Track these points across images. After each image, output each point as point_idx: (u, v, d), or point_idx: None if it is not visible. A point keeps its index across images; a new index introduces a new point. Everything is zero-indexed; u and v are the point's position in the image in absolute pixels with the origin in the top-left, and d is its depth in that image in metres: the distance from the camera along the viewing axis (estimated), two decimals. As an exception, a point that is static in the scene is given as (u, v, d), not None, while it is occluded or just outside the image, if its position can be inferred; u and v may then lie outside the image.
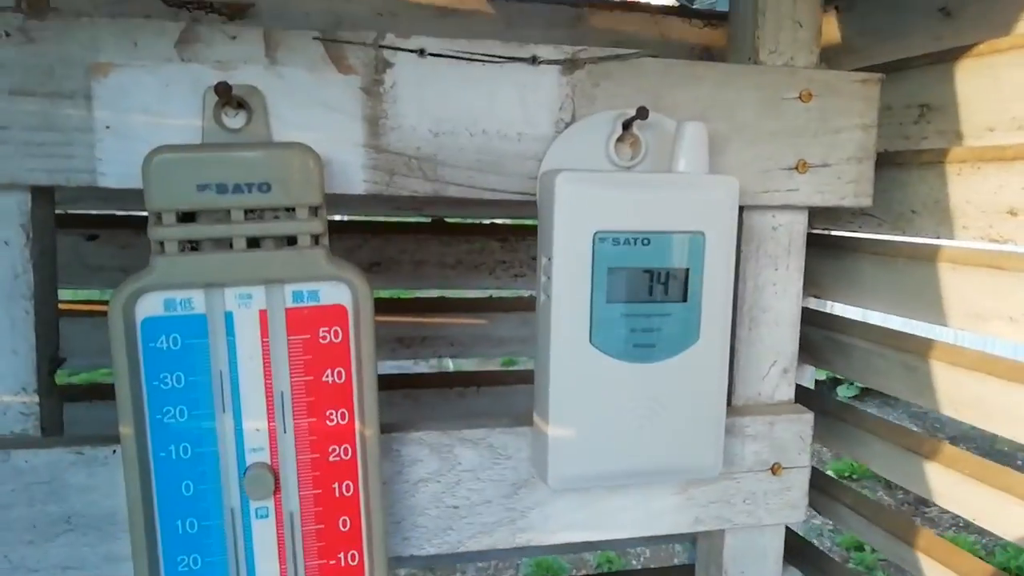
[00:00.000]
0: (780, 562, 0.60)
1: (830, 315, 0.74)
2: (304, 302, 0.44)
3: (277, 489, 0.45)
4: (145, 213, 0.41)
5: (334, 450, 0.45)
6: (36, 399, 0.46)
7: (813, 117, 0.54)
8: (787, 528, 0.74)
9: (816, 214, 0.73)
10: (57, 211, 0.78)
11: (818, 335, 0.72)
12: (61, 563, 0.46)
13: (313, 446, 0.45)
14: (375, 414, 0.45)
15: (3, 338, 0.45)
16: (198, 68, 0.44)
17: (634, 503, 0.54)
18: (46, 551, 0.46)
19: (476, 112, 0.48)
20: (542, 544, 0.52)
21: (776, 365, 0.57)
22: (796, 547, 0.77)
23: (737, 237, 0.53)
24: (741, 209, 0.54)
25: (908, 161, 0.61)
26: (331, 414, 0.45)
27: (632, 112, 0.48)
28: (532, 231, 0.88)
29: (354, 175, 0.47)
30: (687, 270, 0.48)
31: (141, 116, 0.44)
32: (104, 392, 0.79)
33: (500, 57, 0.48)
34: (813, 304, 0.81)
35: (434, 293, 0.92)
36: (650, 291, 0.47)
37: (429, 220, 0.90)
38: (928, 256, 0.60)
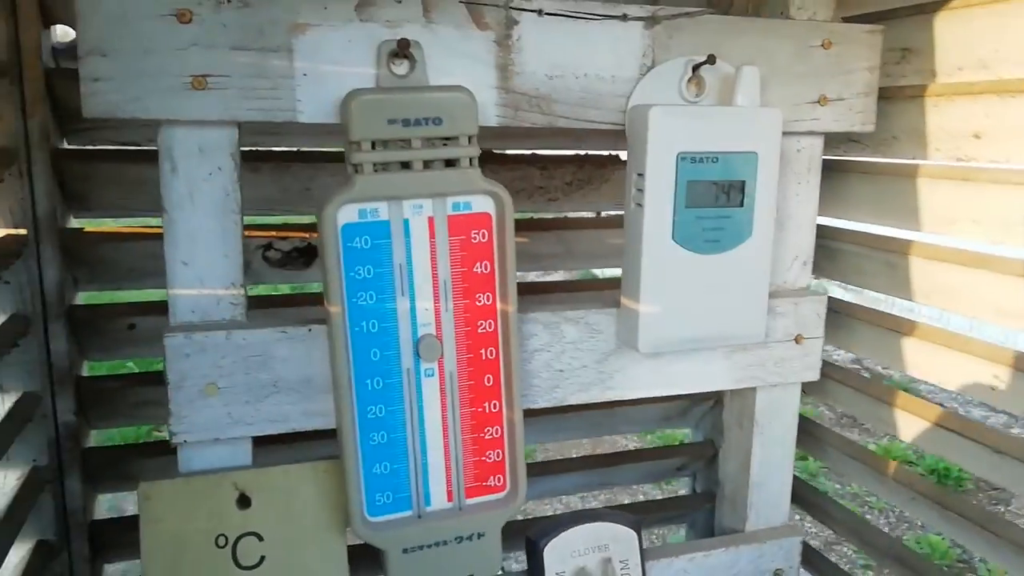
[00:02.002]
0: (796, 416, 0.76)
1: (821, 225, 0.89)
2: (461, 211, 0.57)
3: (441, 354, 0.59)
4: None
5: (481, 324, 0.59)
6: (242, 292, 0.59)
7: (832, 61, 0.68)
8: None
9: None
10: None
11: (812, 243, 0.87)
12: (270, 418, 0.59)
13: (466, 321, 0.59)
14: (513, 297, 0.59)
15: (217, 244, 0.57)
16: (372, 27, 0.56)
17: (693, 367, 0.69)
18: (258, 408, 0.59)
19: (580, 59, 0.61)
20: (626, 398, 0.67)
21: (798, 259, 0.73)
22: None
23: (772, 158, 0.67)
24: (776, 135, 0.68)
25: (893, 96, 0.76)
26: (479, 297, 0.59)
27: (702, 58, 0.61)
28: (567, 160, 1.01)
29: (489, 111, 0.60)
30: (744, 182, 0.62)
31: (330, 66, 0.56)
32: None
33: (599, 15, 0.60)
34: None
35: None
36: (716, 199, 0.61)
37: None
38: (908, 173, 0.75)
